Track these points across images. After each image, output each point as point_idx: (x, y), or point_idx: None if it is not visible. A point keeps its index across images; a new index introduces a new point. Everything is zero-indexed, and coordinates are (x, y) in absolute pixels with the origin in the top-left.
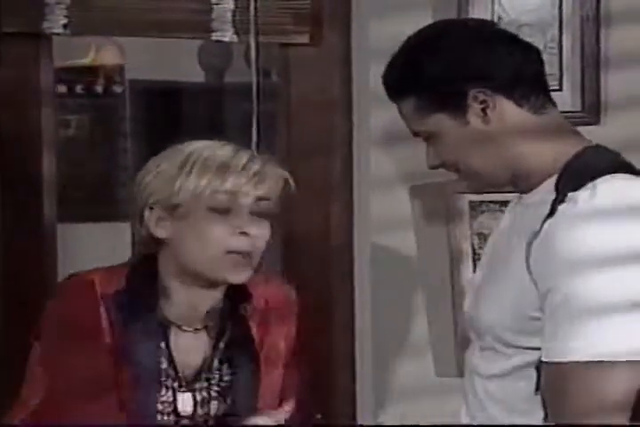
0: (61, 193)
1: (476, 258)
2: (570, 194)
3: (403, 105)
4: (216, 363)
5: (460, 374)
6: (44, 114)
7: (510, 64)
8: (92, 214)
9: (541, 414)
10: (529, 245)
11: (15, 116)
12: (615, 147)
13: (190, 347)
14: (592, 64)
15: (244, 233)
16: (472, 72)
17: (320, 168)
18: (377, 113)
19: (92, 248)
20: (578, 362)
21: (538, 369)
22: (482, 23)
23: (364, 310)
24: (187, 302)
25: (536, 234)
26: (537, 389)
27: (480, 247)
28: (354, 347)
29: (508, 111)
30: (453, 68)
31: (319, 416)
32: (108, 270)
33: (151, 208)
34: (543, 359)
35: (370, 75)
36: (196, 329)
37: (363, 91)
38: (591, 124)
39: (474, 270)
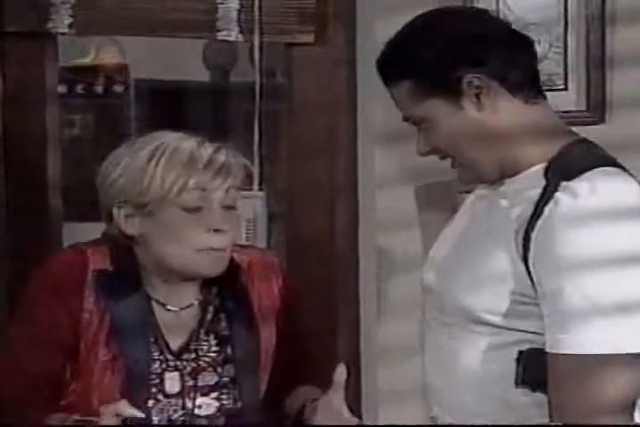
0: (67, 193)
1: None
2: (564, 183)
3: (396, 90)
4: (202, 335)
5: None
6: (49, 113)
7: (505, 52)
8: (98, 214)
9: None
10: (525, 231)
11: (20, 115)
12: (620, 146)
13: (177, 323)
14: (597, 63)
15: (217, 230)
16: (467, 58)
17: (324, 168)
18: (381, 112)
19: None
20: (596, 355)
21: (518, 362)
22: (479, 11)
23: (370, 310)
24: (169, 289)
25: (531, 220)
26: (517, 382)
27: None
28: (359, 348)
29: (502, 99)
30: (449, 52)
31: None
32: (98, 249)
33: (119, 206)
34: (552, 351)
35: (374, 74)
36: (181, 308)
37: (367, 90)
38: (596, 124)
39: None
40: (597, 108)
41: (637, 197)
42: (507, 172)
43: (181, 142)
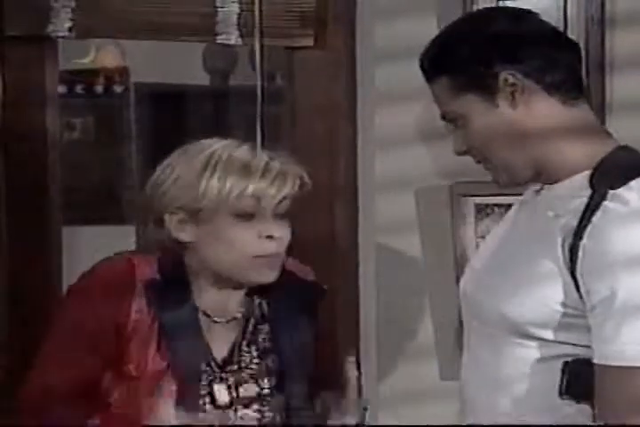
0: (66, 196)
1: None
2: (611, 191)
3: (436, 86)
4: (244, 346)
5: None
6: (49, 117)
7: (544, 52)
8: (97, 217)
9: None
10: (573, 241)
11: (20, 118)
12: None
13: (221, 334)
14: (597, 66)
15: (269, 237)
16: (504, 55)
17: (325, 171)
18: (381, 116)
19: (96, 251)
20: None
21: (563, 373)
22: (522, 11)
23: (369, 312)
24: (216, 299)
25: (579, 229)
26: (561, 393)
27: None
28: (358, 350)
29: (538, 98)
30: (486, 49)
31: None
32: (144, 258)
33: (172, 213)
34: (599, 362)
35: (374, 78)
36: (228, 321)
37: (367, 93)
38: None
39: None
40: (597, 112)
41: None
42: (544, 174)
43: (234, 150)
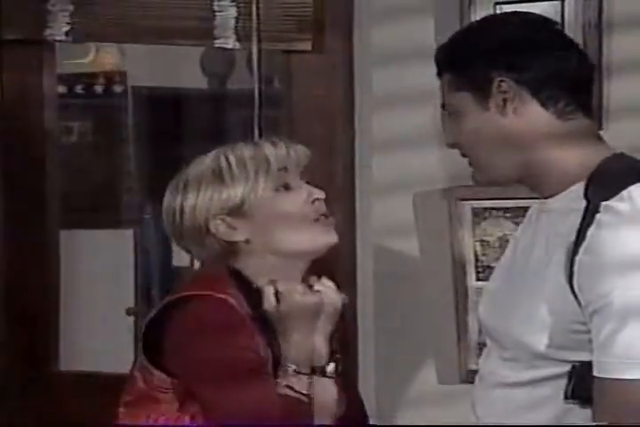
0: (64, 199)
1: (478, 265)
2: (604, 203)
3: (442, 79)
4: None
5: (463, 382)
6: (47, 120)
7: (547, 64)
8: (95, 221)
9: (566, 420)
10: (569, 256)
11: (18, 122)
12: None
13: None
14: (595, 68)
15: (315, 200)
16: (501, 60)
17: (322, 175)
18: (379, 119)
19: (94, 255)
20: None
21: (570, 376)
22: (542, 20)
23: (367, 316)
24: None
25: (575, 245)
26: (566, 397)
27: (483, 254)
28: (356, 354)
29: (529, 109)
30: (489, 52)
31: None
32: (216, 287)
33: (215, 219)
34: (599, 375)
35: (372, 81)
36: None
37: (365, 97)
38: None
39: (477, 277)
40: (594, 116)
41: None
42: (536, 186)
43: (238, 145)
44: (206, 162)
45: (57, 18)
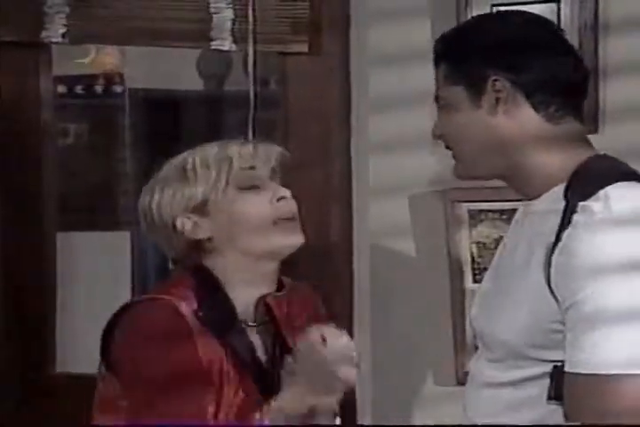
0: (61, 201)
1: (475, 267)
2: (581, 204)
3: (438, 70)
4: (277, 351)
5: (459, 383)
6: (44, 122)
7: (544, 68)
8: (92, 223)
9: (552, 420)
10: (547, 256)
11: (14, 124)
12: (614, 156)
13: (258, 342)
14: (590, 73)
15: (280, 198)
16: (500, 60)
17: (319, 177)
18: (375, 121)
19: (91, 256)
20: (615, 374)
21: (552, 377)
22: (541, 21)
23: (363, 319)
24: (248, 302)
25: (553, 245)
26: (549, 397)
27: (479, 256)
28: None
29: (521, 111)
30: (487, 49)
31: None
32: (172, 290)
33: (182, 217)
34: (569, 370)
35: (368, 83)
36: (259, 324)
37: (361, 99)
38: (589, 133)
39: (473, 279)
40: (590, 118)
41: None
42: (521, 187)
43: (207, 145)
44: (174, 162)
45: (53, 20)
